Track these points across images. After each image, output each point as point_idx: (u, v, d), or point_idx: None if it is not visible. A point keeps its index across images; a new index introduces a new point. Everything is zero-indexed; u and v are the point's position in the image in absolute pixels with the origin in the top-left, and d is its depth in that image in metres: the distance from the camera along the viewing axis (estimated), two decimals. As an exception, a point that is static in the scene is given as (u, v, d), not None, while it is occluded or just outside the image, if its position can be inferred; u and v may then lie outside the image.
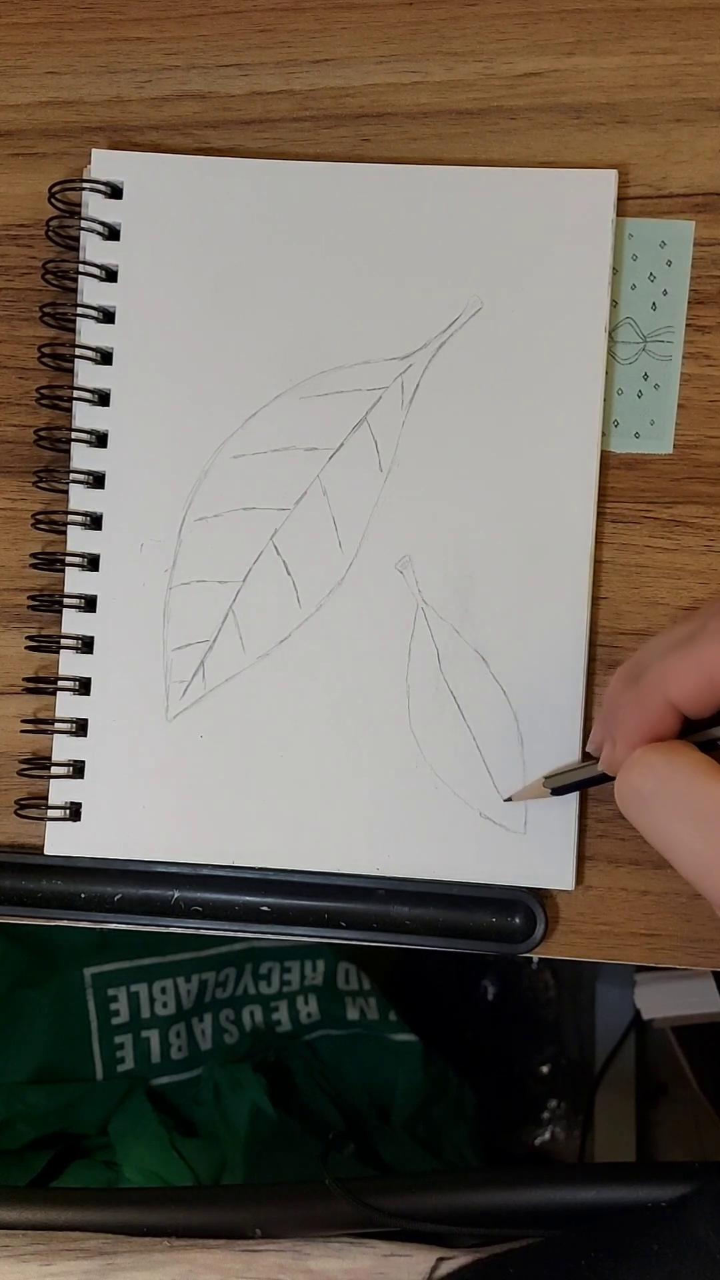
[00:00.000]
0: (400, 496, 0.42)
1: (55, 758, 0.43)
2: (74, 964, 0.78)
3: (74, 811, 0.43)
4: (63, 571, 0.43)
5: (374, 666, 0.42)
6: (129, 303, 0.43)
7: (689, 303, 0.42)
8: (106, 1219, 0.46)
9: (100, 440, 0.44)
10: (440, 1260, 0.43)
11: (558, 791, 0.41)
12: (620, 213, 0.42)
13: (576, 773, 0.40)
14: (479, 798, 0.42)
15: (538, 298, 0.42)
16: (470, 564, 0.42)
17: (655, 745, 0.34)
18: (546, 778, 0.41)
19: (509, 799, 0.42)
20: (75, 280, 0.44)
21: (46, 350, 0.44)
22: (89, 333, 0.44)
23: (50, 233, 0.44)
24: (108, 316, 0.44)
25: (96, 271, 0.43)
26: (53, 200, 0.44)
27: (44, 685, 0.44)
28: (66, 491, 0.44)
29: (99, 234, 0.44)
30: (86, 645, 0.43)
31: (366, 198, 0.43)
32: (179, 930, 0.44)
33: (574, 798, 0.41)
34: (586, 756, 0.41)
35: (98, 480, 0.44)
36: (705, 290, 0.42)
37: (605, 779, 0.39)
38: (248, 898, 0.43)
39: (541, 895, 0.42)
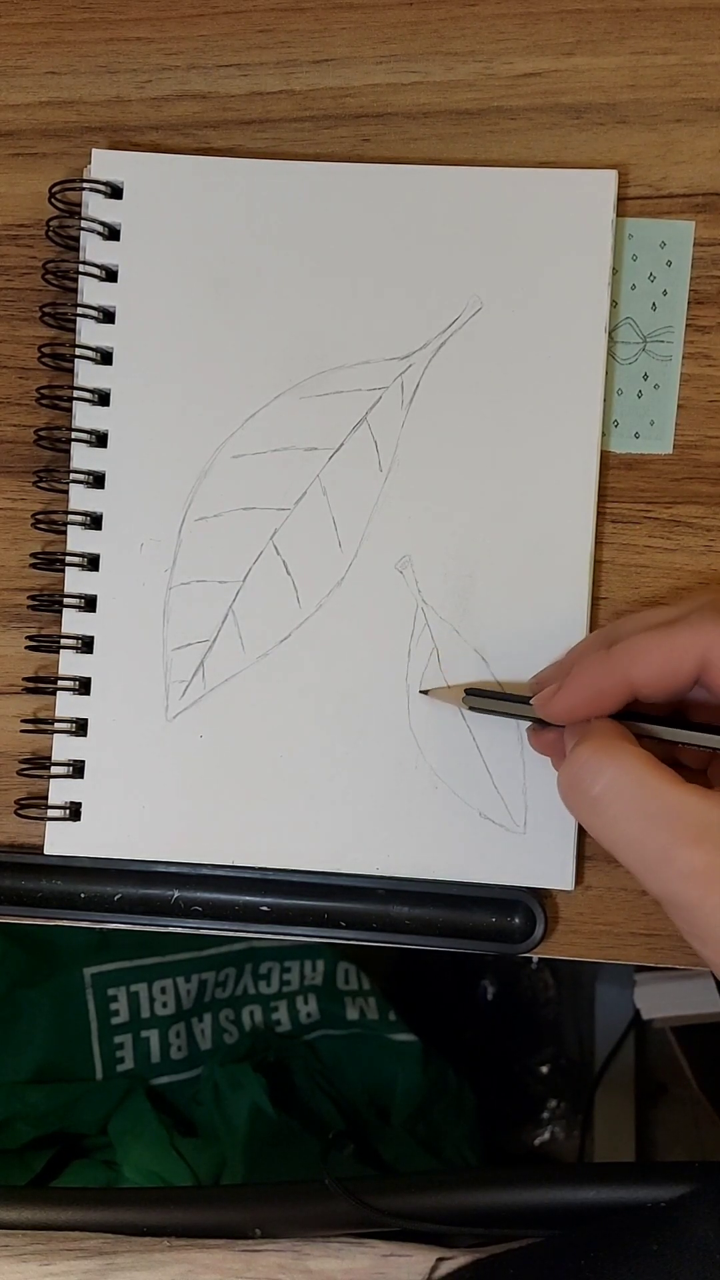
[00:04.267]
0: (400, 496, 0.42)
1: (55, 757, 0.43)
2: (74, 964, 0.78)
3: (74, 811, 0.43)
4: (63, 571, 0.43)
5: (374, 666, 0.42)
6: (129, 303, 0.43)
7: (689, 303, 0.42)
8: (106, 1219, 0.46)
9: (100, 440, 0.44)
10: (440, 1260, 0.43)
11: (474, 708, 0.41)
12: (620, 213, 0.42)
13: (504, 701, 0.40)
14: (479, 798, 0.42)
15: (538, 298, 0.42)
16: (470, 564, 0.42)
17: (601, 745, 0.35)
18: (469, 691, 0.41)
19: (424, 691, 0.42)
20: (75, 280, 0.44)
21: (46, 350, 0.44)
22: (89, 333, 0.44)
23: (50, 233, 0.44)
24: (108, 316, 0.44)
25: (96, 271, 0.43)
26: (53, 200, 0.44)
27: (44, 685, 0.44)
28: (66, 491, 0.44)
29: (99, 234, 0.44)
30: (86, 645, 0.43)
31: (366, 198, 0.43)
32: (179, 930, 0.44)
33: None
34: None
35: (98, 480, 0.44)
36: (705, 290, 0.42)
37: (528, 718, 0.39)
38: (248, 898, 0.43)
39: (541, 895, 0.42)
